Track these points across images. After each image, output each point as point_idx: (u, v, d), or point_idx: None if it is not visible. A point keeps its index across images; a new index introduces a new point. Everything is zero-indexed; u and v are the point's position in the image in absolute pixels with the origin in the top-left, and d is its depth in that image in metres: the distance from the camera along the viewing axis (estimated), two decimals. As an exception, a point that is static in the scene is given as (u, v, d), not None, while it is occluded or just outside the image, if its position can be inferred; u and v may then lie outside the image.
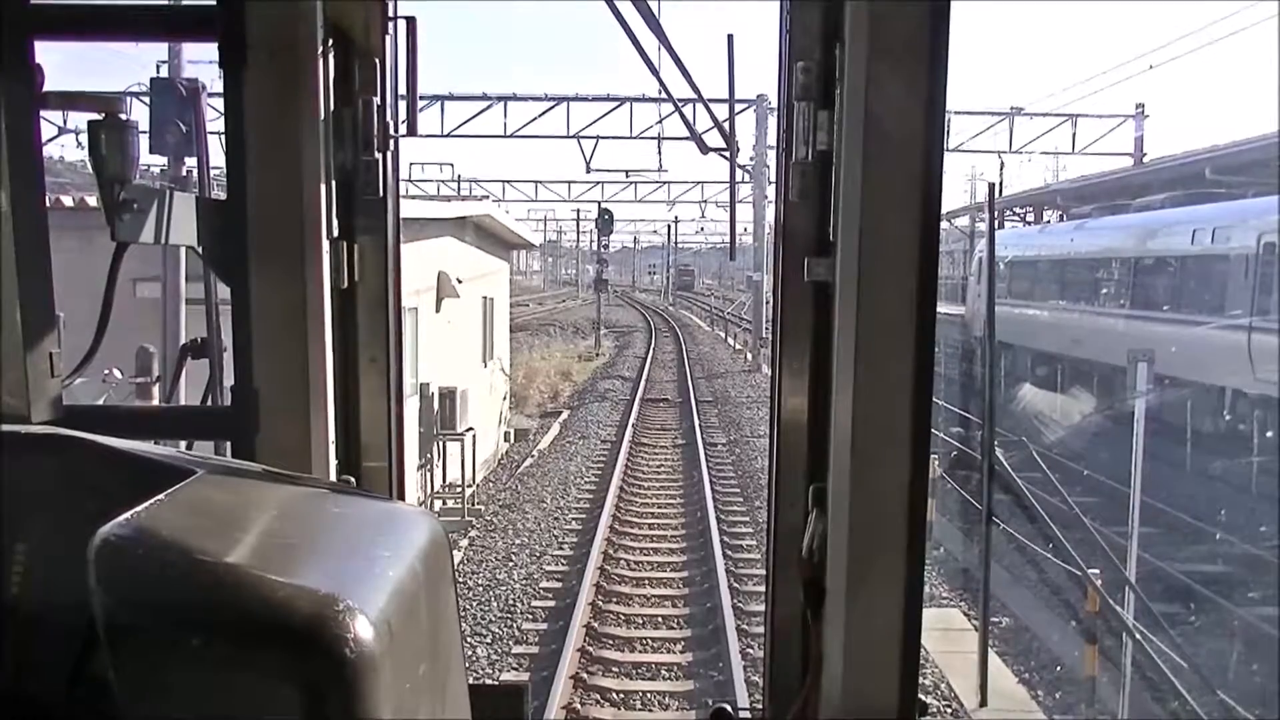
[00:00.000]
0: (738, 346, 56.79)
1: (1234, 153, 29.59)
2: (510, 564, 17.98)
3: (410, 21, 2.82)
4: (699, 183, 70.20)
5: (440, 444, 22.32)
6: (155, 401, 11.49)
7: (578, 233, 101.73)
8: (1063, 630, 15.10)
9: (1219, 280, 24.26)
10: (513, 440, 31.18)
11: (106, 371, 10.76)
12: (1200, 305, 24.80)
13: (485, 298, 29.36)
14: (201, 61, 15.11)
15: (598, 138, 46.81)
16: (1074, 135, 45.30)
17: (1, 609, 1.41)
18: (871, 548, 2.52)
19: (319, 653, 1.21)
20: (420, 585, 1.49)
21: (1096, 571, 12.16)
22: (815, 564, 2.62)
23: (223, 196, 2.73)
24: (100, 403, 7.50)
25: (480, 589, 16.65)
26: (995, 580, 13.51)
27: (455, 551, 17.21)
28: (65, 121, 33.43)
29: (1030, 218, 48.37)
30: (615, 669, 13.81)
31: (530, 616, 15.69)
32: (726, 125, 3.56)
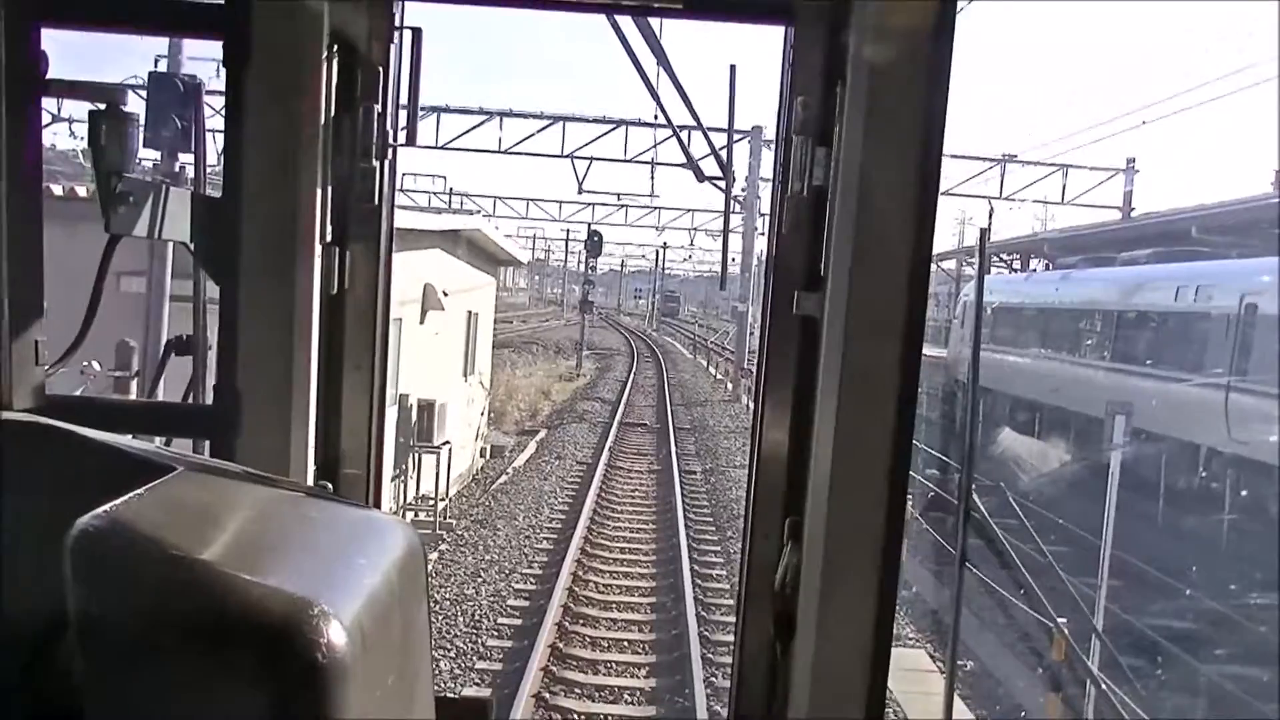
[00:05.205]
0: (719, 376, 56.82)
1: (1220, 212, 29.83)
2: (479, 580, 17.91)
3: (416, 32, 2.82)
4: (689, 210, 70.29)
5: (415, 456, 22.23)
6: (133, 396, 11.42)
7: (566, 253, 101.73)
8: (1028, 676, 15.10)
9: (1200, 338, 24.41)
10: (488, 456, 31.09)
11: (85, 364, 10.69)
12: (1180, 362, 24.92)
13: (470, 312, 29.30)
14: (200, 58, 15.11)
15: (591, 159, 46.91)
16: (1064, 186, 45.64)
17: None
18: (843, 583, 2.53)
19: (290, 656, 1.21)
20: (394, 595, 1.48)
21: (1065, 620, 12.17)
22: (787, 596, 2.62)
23: (218, 195, 2.73)
24: (78, 394, 7.45)
25: (448, 603, 16.57)
26: (964, 624, 13.50)
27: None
28: (59, 109, 33.29)
29: (1017, 264, 48.61)
30: (578, 690, 13.76)
31: (496, 633, 15.62)
32: (723, 154, 3.58)
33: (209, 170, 3.70)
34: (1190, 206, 33.20)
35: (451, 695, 11.49)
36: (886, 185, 2.44)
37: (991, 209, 46.20)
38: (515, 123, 45.25)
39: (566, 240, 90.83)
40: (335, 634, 1.23)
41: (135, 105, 2.84)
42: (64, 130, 36.65)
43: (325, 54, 2.65)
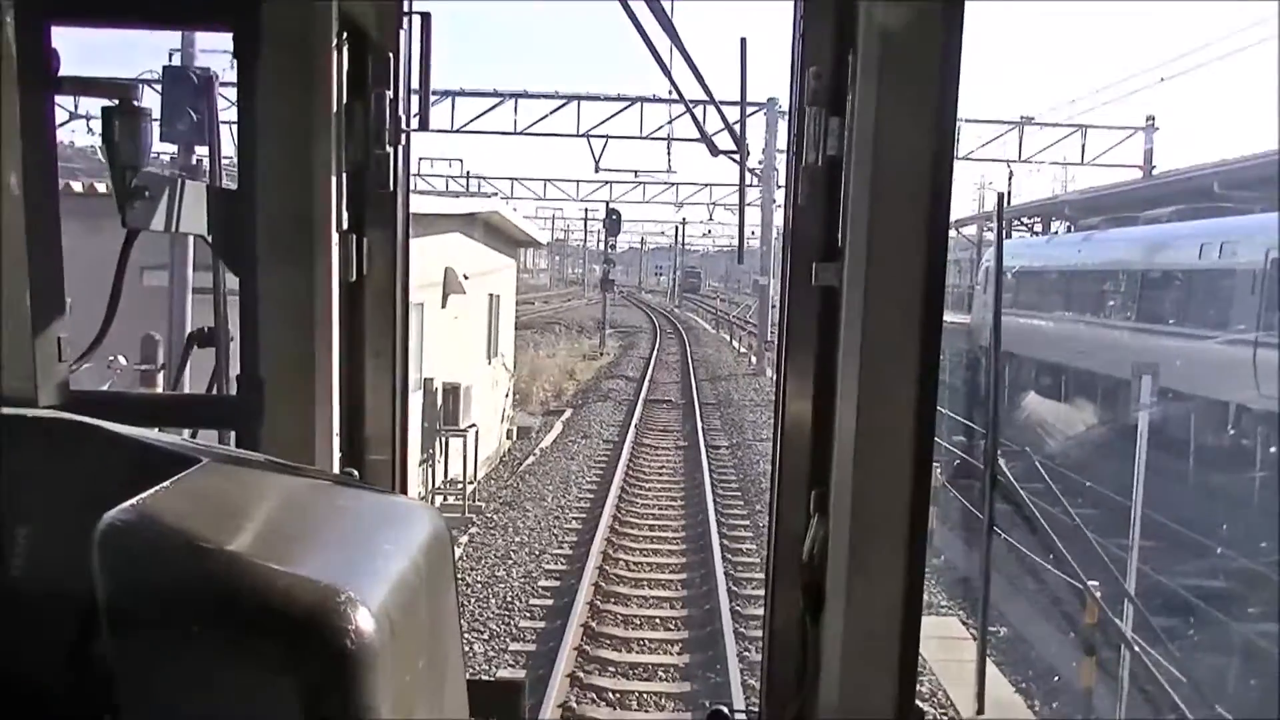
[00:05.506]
0: (742, 350, 56.76)
1: (1242, 168, 29.51)
2: (509, 562, 17.99)
3: (425, 17, 2.82)
4: (707, 185, 70.28)
5: (442, 440, 22.31)
6: (159, 389, 11.51)
7: (585, 232, 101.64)
8: (1061, 641, 15.09)
9: (1225, 295, 24.21)
10: (515, 438, 31.15)
11: (111, 358, 10.78)
12: (1206, 320, 24.72)
13: (491, 294, 29.32)
14: (214, 51, 15.14)
15: (607, 137, 46.76)
16: (1083, 146, 45.20)
17: (5, 590, 1.41)
18: (872, 553, 2.52)
19: (319, 643, 1.22)
20: (422, 580, 1.49)
21: (1096, 583, 12.14)
22: (815, 568, 2.62)
23: (233, 186, 2.74)
24: (105, 388, 7.51)
25: (480, 586, 16.67)
26: (995, 590, 13.49)
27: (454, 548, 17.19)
28: (76, 107, 33.47)
29: (1038, 228, 48.28)
30: (612, 668, 13.82)
31: (528, 614, 15.69)
32: (737, 128, 3.56)
33: (224, 162, 3.71)
34: (1212, 162, 32.84)
35: (486, 678, 11.57)
36: (902, 153, 2.42)
37: (1010, 172, 45.93)
38: (530, 104, 45.16)
39: (585, 219, 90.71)
40: (363, 621, 1.24)
41: (150, 100, 2.85)
42: (82, 127, 36.84)
43: (335, 42, 2.65)
